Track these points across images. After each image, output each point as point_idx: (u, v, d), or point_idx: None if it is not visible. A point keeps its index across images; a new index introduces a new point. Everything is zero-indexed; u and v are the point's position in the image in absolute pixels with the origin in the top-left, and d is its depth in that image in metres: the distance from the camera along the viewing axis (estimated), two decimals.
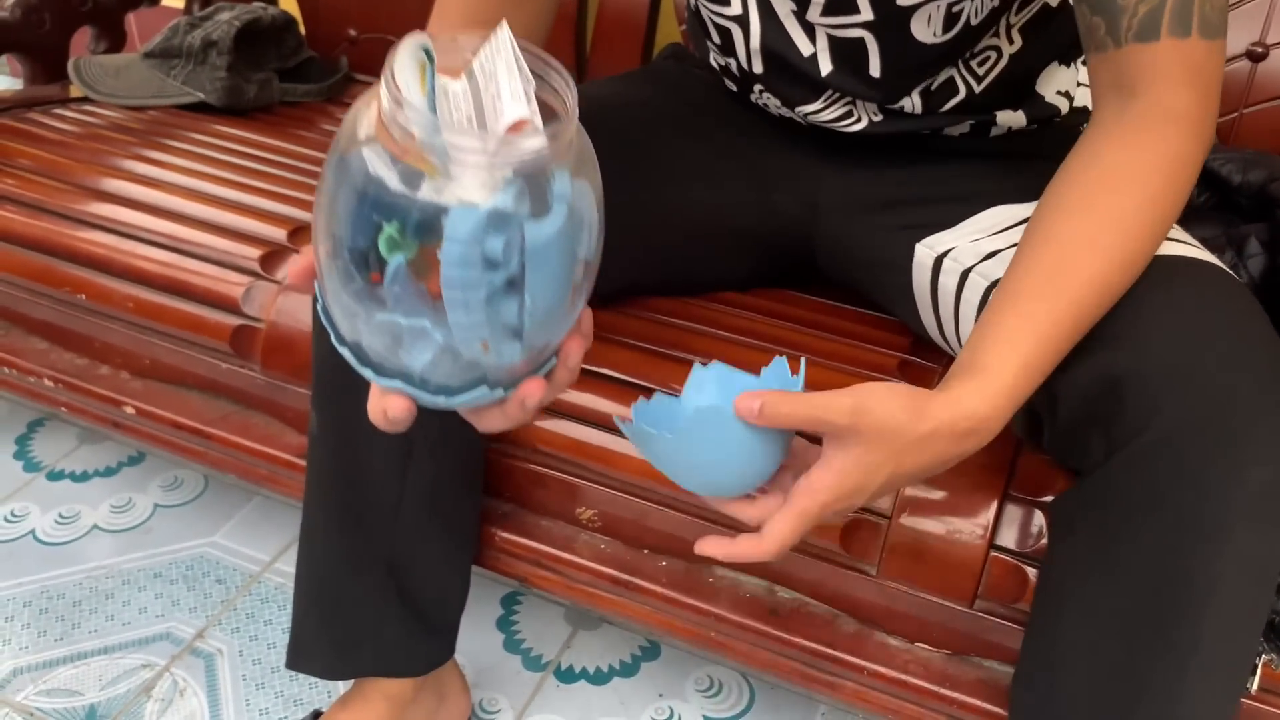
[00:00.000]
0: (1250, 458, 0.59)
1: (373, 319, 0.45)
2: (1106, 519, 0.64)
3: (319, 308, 0.49)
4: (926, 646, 0.83)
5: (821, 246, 0.94)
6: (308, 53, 1.45)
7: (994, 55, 0.81)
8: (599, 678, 1.06)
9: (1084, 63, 0.84)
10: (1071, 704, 0.66)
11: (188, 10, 1.54)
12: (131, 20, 1.86)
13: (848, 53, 0.79)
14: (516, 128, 0.42)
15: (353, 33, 1.49)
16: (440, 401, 0.48)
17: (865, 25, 0.77)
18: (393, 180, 0.40)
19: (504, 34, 0.44)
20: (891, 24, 0.76)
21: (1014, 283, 0.62)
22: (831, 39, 0.79)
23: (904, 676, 0.81)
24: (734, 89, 0.92)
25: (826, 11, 0.77)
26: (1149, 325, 0.63)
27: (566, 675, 1.06)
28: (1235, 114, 1.11)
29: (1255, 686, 0.71)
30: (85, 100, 1.32)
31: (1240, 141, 1.10)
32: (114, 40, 1.46)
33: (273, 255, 1.00)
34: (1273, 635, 0.70)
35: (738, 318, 0.93)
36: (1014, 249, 0.78)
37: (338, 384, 0.82)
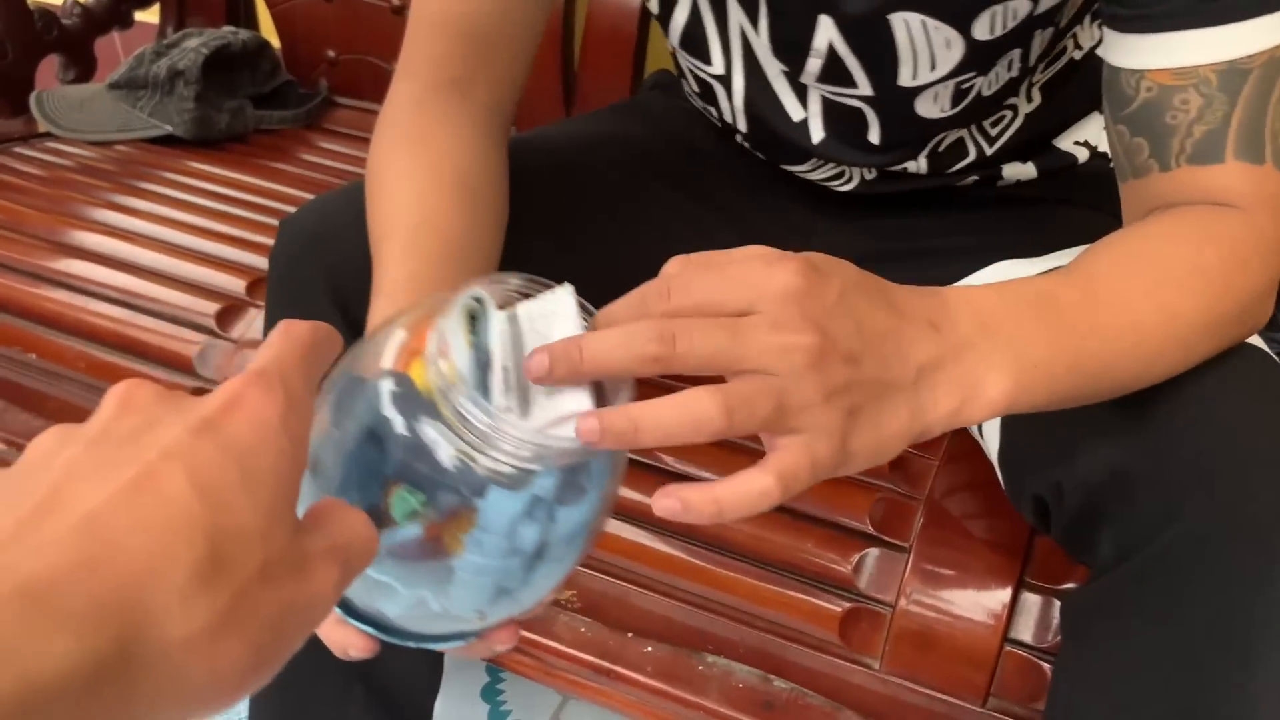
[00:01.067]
0: None
1: (367, 574, 0.40)
2: (1122, 630, 0.57)
3: None
4: None
5: None
6: (284, 77, 1.38)
7: (1009, 115, 0.74)
8: None
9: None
10: None
11: (162, 33, 1.47)
12: (116, 39, 1.80)
13: (843, 120, 0.72)
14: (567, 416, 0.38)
15: (332, 54, 1.42)
16: (409, 644, 0.44)
17: (864, 99, 0.69)
18: (429, 445, 0.37)
19: (567, 297, 0.40)
20: (892, 101, 0.69)
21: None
22: (827, 102, 0.71)
23: None
24: (718, 128, 0.85)
25: (823, 79, 0.69)
26: (1163, 413, 0.55)
27: None
28: None
29: None
30: (49, 136, 1.26)
31: None
32: (84, 68, 1.39)
33: (229, 310, 0.93)
34: None
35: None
36: None
37: None
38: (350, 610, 0.43)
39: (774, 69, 0.71)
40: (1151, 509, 0.55)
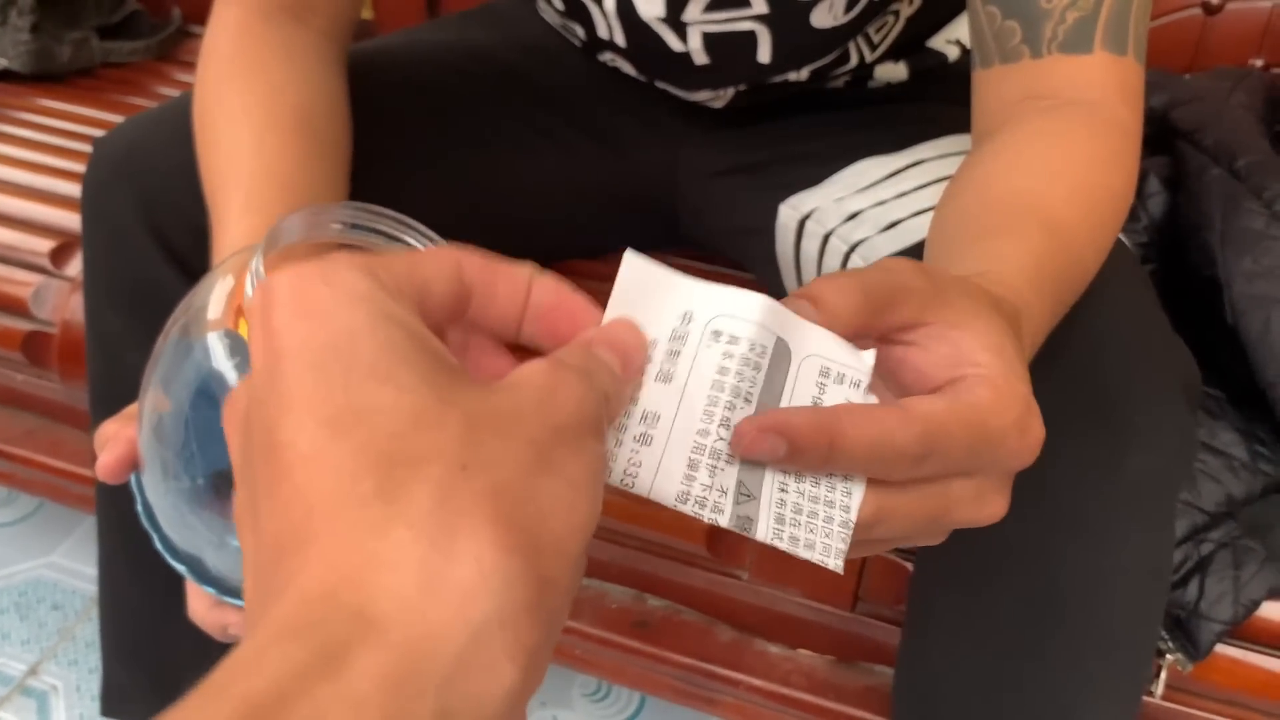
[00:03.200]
0: (1131, 445, 0.52)
1: (227, 543, 0.39)
2: None
3: (139, 510, 0.41)
4: (809, 652, 0.75)
5: (684, 209, 0.84)
6: (133, 6, 1.30)
7: (892, 19, 0.71)
8: None
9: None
10: None
11: None
12: None
13: (729, 48, 0.69)
14: None
15: None
16: None
17: (757, 18, 0.66)
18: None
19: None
20: (789, 16, 0.66)
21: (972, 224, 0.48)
22: (709, 36, 0.68)
23: (784, 690, 0.73)
24: (579, 44, 0.81)
25: (711, 8, 0.66)
26: None
27: None
28: None
29: (1161, 689, 0.63)
30: None
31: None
32: None
33: (65, 248, 0.88)
34: (1177, 632, 0.62)
35: (592, 292, 0.83)
36: (877, 208, 0.69)
37: (123, 399, 0.71)
38: (223, 589, 0.42)
39: (650, 11, 0.67)
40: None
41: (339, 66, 0.65)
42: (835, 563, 0.30)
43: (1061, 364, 0.53)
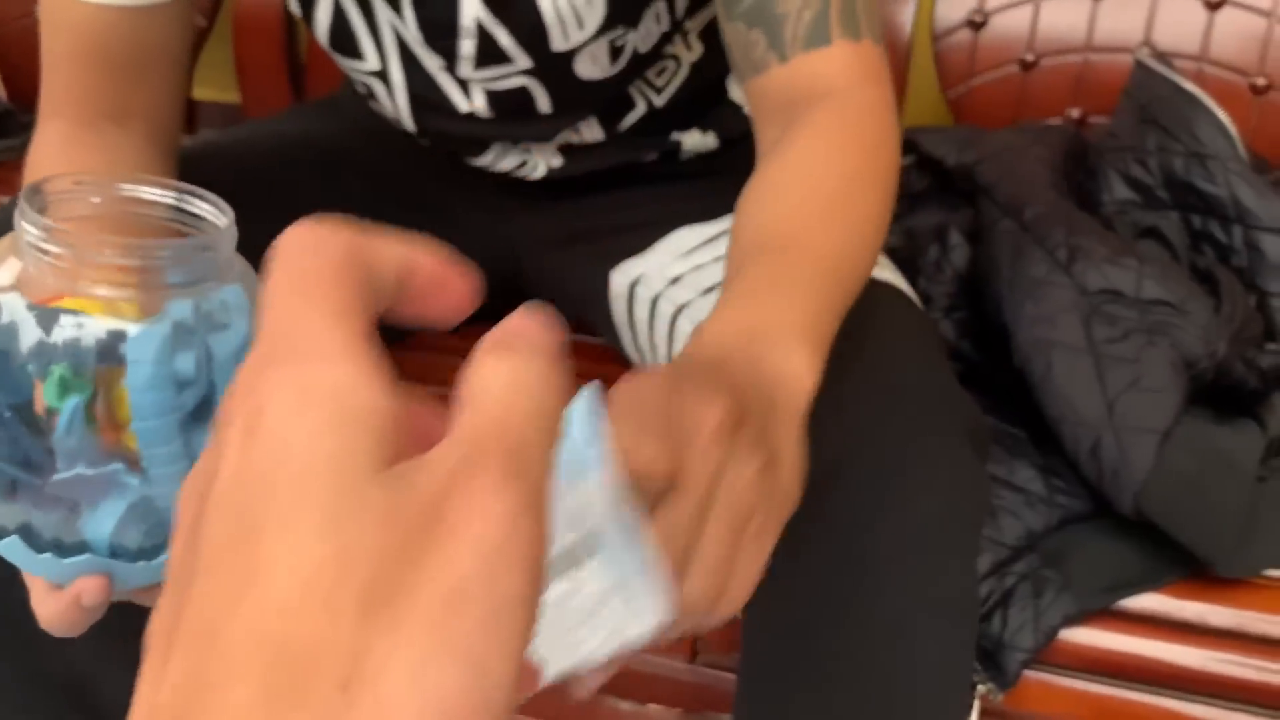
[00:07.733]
0: (916, 487, 0.55)
1: (44, 488, 0.40)
2: (784, 565, 0.59)
3: None
4: (659, 706, 0.77)
5: (527, 279, 0.87)
6: (3, 105, 1.31)
7: (673, 65, 0.75)
8: None
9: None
10: None
11: None
12: None
13: (510, 102, 0.72)
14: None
15: None
16: (139, 569, 0.42)
17: (525, 72, 0.70)
18: (51, 321, 0.38)
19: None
20: (553, 69, 0.69)
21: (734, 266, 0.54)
22: (490, 93, 0.71)
23: None
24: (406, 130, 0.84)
25: (479, 65, 0.69)
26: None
27: None
28: (965, 87, 1.08)
29: (975, 718, 0.66)
30: None
31: (970, 117, 1.06)
32: None
33: None
34: (988, 663, 0.65)
35: (448, 365, 0.85)
36: (695, 272, 0.73)
37: None
38: (61, 550, 0.41)
39: (433, 64, 0.71)
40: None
41: (162, 166, 0.67)
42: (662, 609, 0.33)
43: (850, 421, 0.56)
